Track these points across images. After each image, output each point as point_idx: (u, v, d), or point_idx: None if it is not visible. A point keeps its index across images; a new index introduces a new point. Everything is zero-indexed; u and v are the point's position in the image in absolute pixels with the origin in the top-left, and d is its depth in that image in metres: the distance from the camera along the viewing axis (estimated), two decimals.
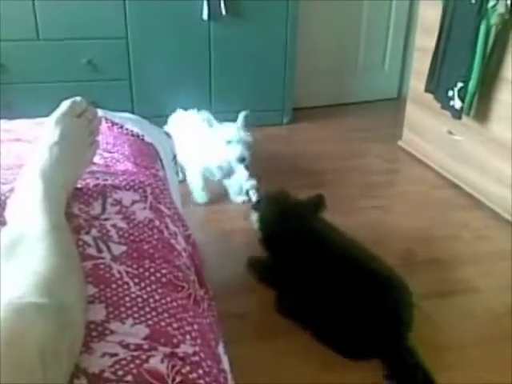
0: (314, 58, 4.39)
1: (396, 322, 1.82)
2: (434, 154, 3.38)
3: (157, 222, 1.18)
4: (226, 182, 2.85)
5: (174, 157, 1.99)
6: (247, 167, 2.87)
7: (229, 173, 2.90)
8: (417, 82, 3.47)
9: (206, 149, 2.82)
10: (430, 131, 3.41)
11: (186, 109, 3.19)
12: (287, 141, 3.87)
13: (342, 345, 1.82)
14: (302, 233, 2.10)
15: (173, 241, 1.17)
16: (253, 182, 2.83)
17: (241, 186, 2.84)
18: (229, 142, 2.76)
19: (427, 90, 3.22)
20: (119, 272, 0.99)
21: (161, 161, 1.71)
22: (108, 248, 1.05)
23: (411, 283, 2.06)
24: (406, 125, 3.70)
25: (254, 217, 2.33)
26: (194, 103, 3.47)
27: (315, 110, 4.49)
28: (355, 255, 1.97)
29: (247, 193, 2.81)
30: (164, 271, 1.04)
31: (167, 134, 2.12)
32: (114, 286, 0.95)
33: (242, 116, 2.84)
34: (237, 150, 2.75)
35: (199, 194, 2.93)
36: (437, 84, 3.10)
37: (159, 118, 3.64)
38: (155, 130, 1.85)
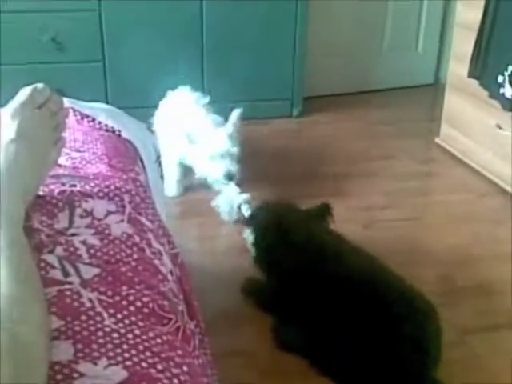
0: (330, 37, 4.42)
1: (419, 352, 1.84)
2: (480, 153, 3.39)
3: (137, 238, 1.18)
4: (214, 202, 2.90)
5: (158, 157, 2.00)
6: (237, 183, 2.91)
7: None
8: (458, 65, 3.48)
9: (190, 142, 2.86)
10: (474, 125, 3.42)
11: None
12: (297, 137, 3.89)
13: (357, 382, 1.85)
14: (305, 248, 2.11)
15: (156, 261, 1.18)
16: (245, 196, 2.83)
17: (231, 203, 2.84)
18: (212, 158, 2.81)
19: (471, 75, 3.23)
20: (90, 300, 0.99)
21: (142, 162, 1.72)
22: (76, 270, 1.05)
23: (450, 314, 2.06)
24: (445, 117, 3.71)
25: (248, 234, 2.35)
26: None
27: (331, 99, 4.51)
28: (370, 273, 2.01)
29: (239, 208, 2.80)
30: (146, 299, 1.04)
31: (150, 130, 2.12)
32: (83, 317, 0.95)
33: (234, 115, 2.87)
34: (223, 167, 2.80)
35: (173, 186, 3.07)
36: (483, 68, 3.11)
37: (140, 110, 3.60)
38: (135, 125, 1.86)
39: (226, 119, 2.91)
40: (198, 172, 2.95)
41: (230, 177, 2.82)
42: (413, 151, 3.71)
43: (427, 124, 4.04)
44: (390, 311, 1.88)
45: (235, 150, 2.84)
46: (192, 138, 2.83)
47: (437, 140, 3.77)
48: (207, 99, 3.06)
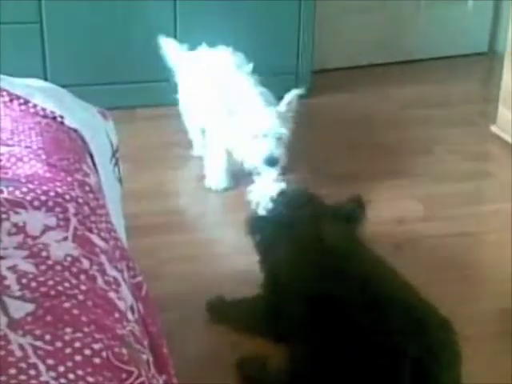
0: None
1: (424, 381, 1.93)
2: None
3: (85, 263, 1.18)
4: (248, 190, 3.06)
5: (115, 152, 1.99)
6: (282, 173, 3.14)
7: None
8: None
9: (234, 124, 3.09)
10: None
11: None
12: (304, 121, 3.86)
13: None
14: (339, 282, 2.14)
15: (112, 294, 1.17)
16: (279, 187, 2.94)
17: (265, 194, 2.94)
18: (255, 137, 3.02)
19: None
20: (22, 347, 0.98)
21: (92, 158, 1.71)
22: (3, 307, 1.04)
23: None
24: (503, 98, 3.71)
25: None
26: (149, 66, 3.52)
27: (349, 73, 4.53)
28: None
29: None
30: (97, 346, 1.04)
31: (102, 113, 2.12)
32: (12, 371, 0.95)
33: (291, 94, 3.10)
34: (265, 149, 3.00)
35: (219, 177, 3.30)
36: None
37: (89, 88, 3.67)
38: (83, 108, 1.86)
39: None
40: (234, 153, 3.18)
41: (271, 162, 3.00)
42: (460, 143, 3.73)
43: (479, 106, 4.05)
44: (390, 326, 1.98)
45: (284, 131, 3.04)
46: (233, 109, 3.04)
47: (492, 128, 3.77)
48: (250, 65, 3.27)
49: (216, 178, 3.33)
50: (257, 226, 2.50)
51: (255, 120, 3.03)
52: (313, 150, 3.64)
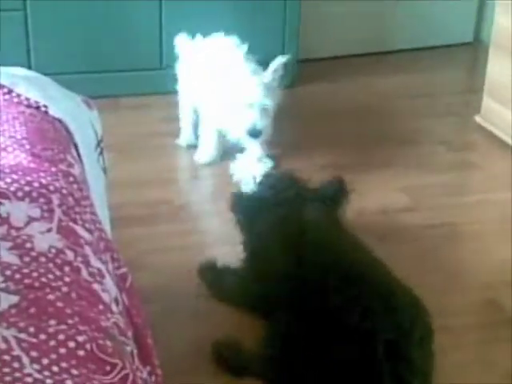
0: None
1: (395, 359, 1.97)
2: None
3: (70, 255, 1.18)
4: (232, 166, 3.10)
5: (99, 142, 1.99)
6: (265, 144, 3.17)
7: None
8: (505, 18, 3.49)
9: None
10: None
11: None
12: (287, 114, 3.86)
13: None
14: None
15: (96, 286, 1.17)
16: (267, 165, 3.01)
17: (249, 170, 2.97)
18: (238, 107, 3.05)
19: None
20: (5, 340, 0.98)
21: (77, 148, 1.70)
22: None
23: (498, 354, 2.07)
24: (488, 88, 3.72)
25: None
26: (133, 55, 3.51)
27: (333, 62, 4.51)
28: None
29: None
30: (81, 338, 1.03)
31: (87, 102, 2.11)
32: None
33: (276, 62, 3.12)
34: (248, 120, 3.01)
35: (207, 151, 3.38)
36: None
37: (73, 76, 3.65)
38: (67, 98, 1.85)
39: None
40: (218, 123, 3.23)
41: (254, 133, 3.02)
42: (445, 134, 3.73)
43: (464, 97, 4.06)
44: (362, 306, 2.03)
45: (268, 102, 3.06)
46: (220, 81, 3.08)
47: (477, 118, 3.78)
48: (245, 47, 3.27)
49: (204, 152, 3.37)
50: (240, 204, 2.55)
51: (239, 90, 3.04)
52: (297, 140, 3.63)
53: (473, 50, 4.78)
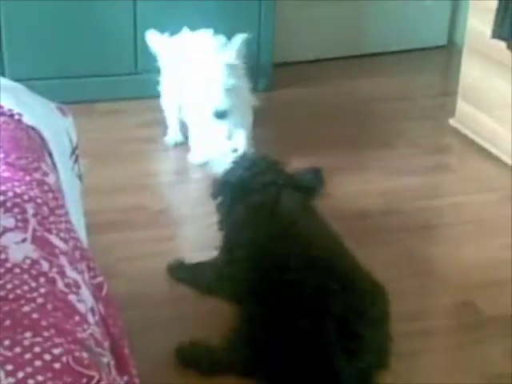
0: None
1: (348, 337, 2.04)
2: (508, 139, 3.41)
3: (45, 266, 1.17)
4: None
5: (74, 149, 1.98)
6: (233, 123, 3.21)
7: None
8: (478, 21, 3.50)
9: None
10: (500, 102, 3.45)
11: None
12: (263, 118, 3.86)
13: None
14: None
15: (72, 297, 1.16)
16: (237, 146, 3.12)
17: (220, 153, 3.10)
18: (203, 89, 3.08)
19: (496, 34, 3.25)
20: None
21: (51, 156, 1.69)
22: None
23: (473, 355, 2.08)
24: (462, 91, 3.73)
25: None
26: (108, 60, 3.51)
27: (309, 66, 4.51)
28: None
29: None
30: (57, 351, 1.02)
31: (61, 109, 2.10)
32: None
33: (237, 40, 3.14)
34: (212, 100, 3.03)
35: (199, 151, 3.40)
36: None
37: (48, 82, 3.64)
38: (41, 105, 1.83)
39: None
40: (186, 109, 3.30)
41: (219, 114, 3.05)
42: (420, 136, 3.74)
43: (438, 100, 4.07)
44: (318, 284, 2.11)
45: (232, 81, 3.07)
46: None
47: (451, 121, 3.80)
48: (222, 38, 3.32)
49: (197, 152, 3.40)
50: (219, 188, 2.59)
51: (201, 70, 3.08)
52: (272, 143, 3.63)
53: (447, 53, 4.80)
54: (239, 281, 2.36)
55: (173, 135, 3.60)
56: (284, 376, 2.07)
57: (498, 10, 3.24)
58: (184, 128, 3.55)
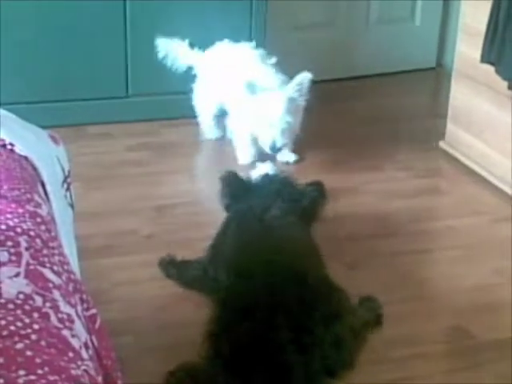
0: (294, 2, 4.43)
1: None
2: (498, 162, 3.43)
3: (38, 301, 1.16)
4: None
5: (66, 177, 1.96)
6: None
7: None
8: (467, 44, 3.52)
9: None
10: (490, 125, 3.46)
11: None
12: None
13: None
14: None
15: (66, 332, 1.15)
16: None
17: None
18: (261, 122, 3.30)
19: (485, 59, 3.26)
20: None
21: (44, 186, 1.68)
22: None
23: (469, 382, 2.06)
24: (452, 114, 3.74)
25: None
26: (99, 83, 3.51)
27: None
28: None
29: None
30: None
31: (53, 138, 2.08)
32: None
33: (300, 78, 3.34)
34: (270, 136, 3.26)
35: (246, 153, 3.62)
36: (501, 50, 3.14)
37: (39, 106, 3.64)
38: (33, 134, 1.82)
39: None
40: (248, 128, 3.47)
41: (274, 149, 3.28)
42: (410, 159, 3.74)
43: (428, 122, 4.08)
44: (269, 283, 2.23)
45: (290, 118, 3.29)
46: (252, 88, 3.30)
47: (441, 144, 3.80)
48: (274, 59, 3.57)
49: (243, 154, 3.61)
50: (226, 189, 2.82)
51: (264, 106, 3.27)
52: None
53: (436, 76, 4.83)
54: (214, 280, 2.53)
55: (209, 132, 3.85)
56: (238, 369, 2.14)
57: (487, 33, 3.24)
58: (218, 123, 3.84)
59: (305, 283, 2.26)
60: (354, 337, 2.28)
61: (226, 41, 3.74)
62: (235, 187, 2.84)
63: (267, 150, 3.37)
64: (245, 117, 3.46)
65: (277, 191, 2.78)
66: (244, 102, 3.38)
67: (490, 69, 3.25)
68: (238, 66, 3.57)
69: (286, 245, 2.53)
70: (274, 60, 3.57)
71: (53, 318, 1.16)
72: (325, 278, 2.39)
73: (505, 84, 3.19)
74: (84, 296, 1.36)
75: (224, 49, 3.73)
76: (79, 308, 1.30)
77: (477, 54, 3.32)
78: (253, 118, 3.37)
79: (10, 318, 1.10)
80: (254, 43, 3.74)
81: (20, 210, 1.38)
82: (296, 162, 3.64)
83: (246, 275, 2.33)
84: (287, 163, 3.60)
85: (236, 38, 3.92)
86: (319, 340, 2.15)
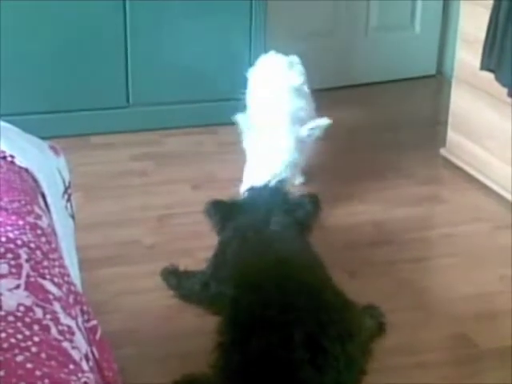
0: (295, 13, 4.45)
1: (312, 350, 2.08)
2: (499, 168, 3.43)
3: (39, 313, 1.15)
4: None
5: (67, 188, 1.96)
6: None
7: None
8: (467, 51, 3.52)
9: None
10: (491, 132, 3.46)
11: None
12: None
13: None
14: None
15: (66, 344, 1.14)
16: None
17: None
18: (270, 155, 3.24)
19: (485, 66, 3.26)
20: None
21: (44, 198, 1.68)
22: None
23: None
24: (452, 121, 3.74)
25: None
26: (103, 93, 3.51)
27: None
28: None
29: None
30: None
31: (54, 149, 2.08)
32: None
33: (317, 123, 3.30)
34: (274, 170, 3.19)
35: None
36: (501, 57, 3.15)
37: (42, 116, 3.65)
38: (34, 145, 1.82)
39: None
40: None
41: (279, 182, 3.17)
42: (410, 167, 3.74)
43: (428, 130, 4.07)
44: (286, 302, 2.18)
45: (297, 156, 3.26)
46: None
47: (442, 151, 3.80)
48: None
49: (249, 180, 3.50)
50: (213, 208, 2.75)
51: (273, 143, 3.24)
52: None
53: (436, 83, 4.83)
54: (217, 294, 2.53)
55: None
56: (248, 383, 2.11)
57: (486, 40, 3.25)
58: None
59: (319, 298, 2.22)
60: (363, 355, 2.25)
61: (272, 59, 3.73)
62: (223, 212, 2.78)
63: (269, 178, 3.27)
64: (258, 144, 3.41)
65: (270, 204, 2.76)
66: (259, 131, 3.35)
67: (490, 76, 3.26)
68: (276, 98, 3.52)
69: (292, 257, 2.49)
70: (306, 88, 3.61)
71: (53, 330, 1.16)
72: (338, 292, 2.34)
73: (504, 91, 3.19)
74: (84, 307, 1.36)
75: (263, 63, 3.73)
76: (80, 319, 1.30)
77: (476, 61, 3.32)
78: (262, 148, 3.33)
79: (11, 331, 1.10)
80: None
81: (20, 222, 1.38)
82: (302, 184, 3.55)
83: (254, 288, 2.28)
84: (293, 185, 3.48)
85: (235, 47, 3.94)
86: (334, 359, 2.11)
